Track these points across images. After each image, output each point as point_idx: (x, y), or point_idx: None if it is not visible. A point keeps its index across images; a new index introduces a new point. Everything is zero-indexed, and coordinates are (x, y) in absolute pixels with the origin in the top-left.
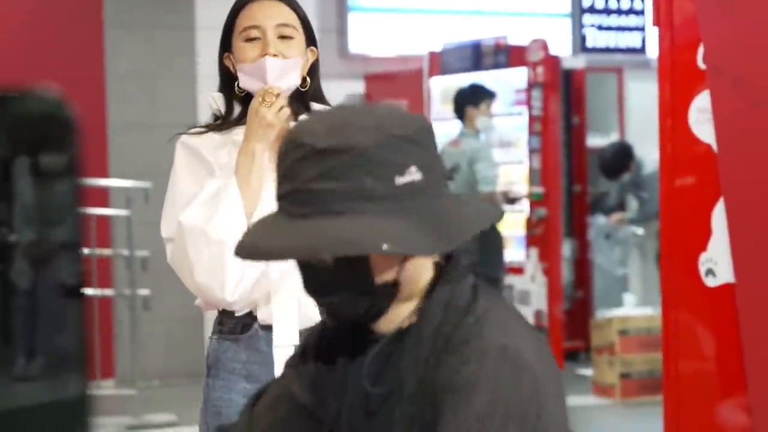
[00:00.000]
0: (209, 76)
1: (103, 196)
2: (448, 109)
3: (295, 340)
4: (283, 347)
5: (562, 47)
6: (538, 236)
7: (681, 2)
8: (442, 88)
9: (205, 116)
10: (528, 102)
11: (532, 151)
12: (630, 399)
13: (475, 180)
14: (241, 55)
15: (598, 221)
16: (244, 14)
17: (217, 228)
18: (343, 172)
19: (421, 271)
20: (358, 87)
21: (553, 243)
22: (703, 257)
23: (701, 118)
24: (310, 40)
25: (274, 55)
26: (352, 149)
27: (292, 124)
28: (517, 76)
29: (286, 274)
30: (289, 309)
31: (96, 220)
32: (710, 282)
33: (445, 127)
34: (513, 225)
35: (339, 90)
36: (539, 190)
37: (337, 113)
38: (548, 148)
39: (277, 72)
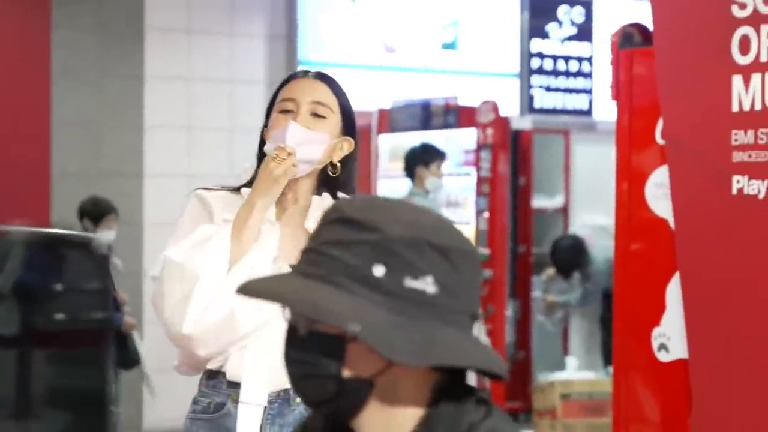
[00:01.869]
0: (156, 127)
1: None
2: (396, 167)
3: (263, 401)
4: (249, 405)
5: (509, 107)
6: (483, 297)
7: (640, 76)
8: (390, 146)
9: (151, 166)
10: (476, 163)
11: (479, 212)
12: None
13: None
14: (273, 124)
15: (541, 280)
16: (284, 90)
17: (196, 266)
18: (358, 250)
19: (412, 385)
20: None
21: (498, 305)
22: (656, 332)
23: (658, 193)
24: (348, 130)
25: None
26: (376, 231)
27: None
28: (467, 137)
29: (259, 329)
30: (259, 368)
31: None
32: (663, 357)
33: (393, 186)
34: None
35: None
36: (486, 251)
37: (388, 200)
38: (496, 210)
39: (298, 138)
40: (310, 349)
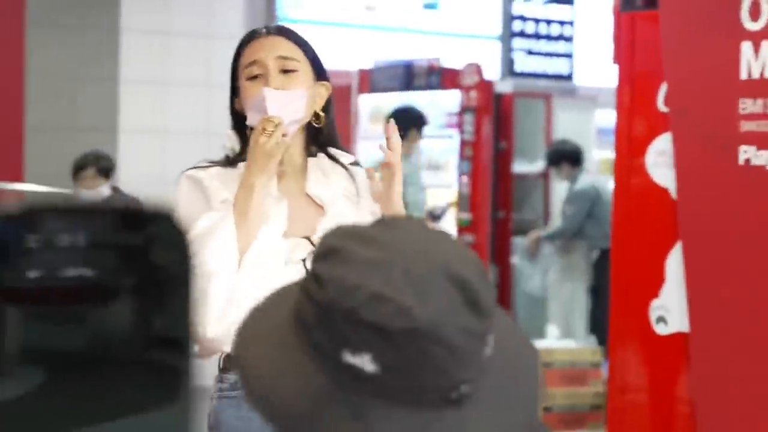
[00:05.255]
0: (131, 81)
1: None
2: (377, 128)
3: None
4: None
5: (490, 70)
6: None
7: (643, 41)
8: (370, 107)
9: (126, 121)
10: (459, 126)
11: (461, 176)
12: None
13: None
14: (245, 93)
15: (522, 242)
16: (245, 54)
17: (205, 262)
18: (310, 307)
19: None
20: None
21: None
22: (655, 303)
23: (659, 161)
24: (320, 75)
25: (276, 88)
26: (323, 292)
27: (307, 160)
28: (449, 99)
29: None
30: None
31: None
32: (661, 330)
33: (372, 147)
34: None
35: None
36: (467, 216)
37: (354, 247)
38: (478, 174)
39: (278, 103)
40: None
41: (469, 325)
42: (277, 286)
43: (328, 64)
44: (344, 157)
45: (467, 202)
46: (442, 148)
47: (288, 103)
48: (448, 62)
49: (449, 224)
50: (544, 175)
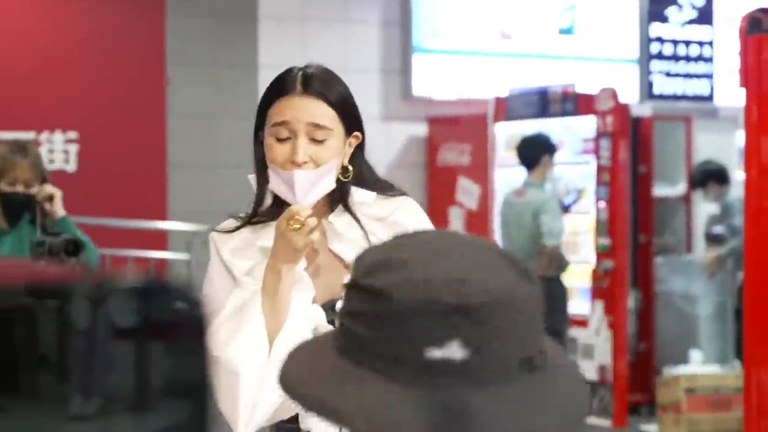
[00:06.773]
0: None
1: (161, 239)
2: (513, 155)
3: None
4: None
5: (628, 93)
6: (603, 289)
7: None
8: (506, 134)
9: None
10: (596, 151)
11: (599, 201)
12: None
13: (539, 233)
14: (270, 153)
15: (698, 257)
16: (275, 108)
17: (233, 357)
18: (372, 322)
19: None
20: (421, 129)
21: (619, 296)
22: None
23: None
24: (353, 127)
25: (304, 162)
26: (384, 299)
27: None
28: (585, 125)
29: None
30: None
31: (154, 264)
32: None
33: (510, 175)
34: (578, 276)
35: (401, 132)
36: (606, 241)
37: (407, 247)
38: (616, 199)
39: (307, 185)
40: None
41: (531, 293)
42: None
43: (463, 93)
44: (365, 203)
45: (605, 227)
46: (578, 174)
47: (318, 181)
48: (583, 87)
49: (584, 209)
50: (686, 198)
